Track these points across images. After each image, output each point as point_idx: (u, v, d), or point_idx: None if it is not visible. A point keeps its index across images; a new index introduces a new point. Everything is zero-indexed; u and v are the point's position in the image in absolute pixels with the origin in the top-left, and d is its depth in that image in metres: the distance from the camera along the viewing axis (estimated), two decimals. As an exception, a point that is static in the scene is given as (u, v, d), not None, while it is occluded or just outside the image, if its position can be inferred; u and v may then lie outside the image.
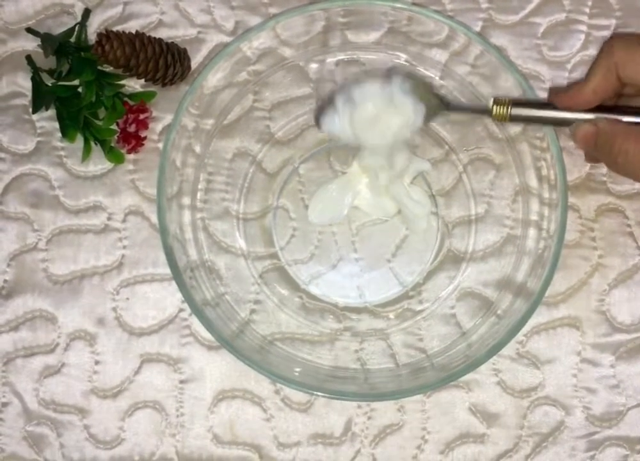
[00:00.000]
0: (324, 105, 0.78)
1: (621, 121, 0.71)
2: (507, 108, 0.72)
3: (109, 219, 0.87)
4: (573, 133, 0.72)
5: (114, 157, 0.86)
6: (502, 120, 0.73)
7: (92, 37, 0.88)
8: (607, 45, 0.71)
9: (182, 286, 0.75)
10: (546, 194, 0.78)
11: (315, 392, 0.75)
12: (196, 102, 0.78)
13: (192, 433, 0.84)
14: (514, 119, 0.73)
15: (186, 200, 0.81)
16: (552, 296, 0.83)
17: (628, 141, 0.69)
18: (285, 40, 0.80)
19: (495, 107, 0.72)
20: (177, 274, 0.75)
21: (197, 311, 0.75)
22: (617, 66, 0.70)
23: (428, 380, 0.76)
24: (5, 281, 0.86)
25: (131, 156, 0.87)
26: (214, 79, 0.78)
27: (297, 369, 0.79)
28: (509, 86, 0.77)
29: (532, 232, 0.80)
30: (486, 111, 0.73)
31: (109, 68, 0.85)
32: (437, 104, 0.76)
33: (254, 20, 0.88)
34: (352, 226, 0.87)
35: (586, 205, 0.86)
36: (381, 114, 0.75)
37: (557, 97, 0.73)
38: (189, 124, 0.78)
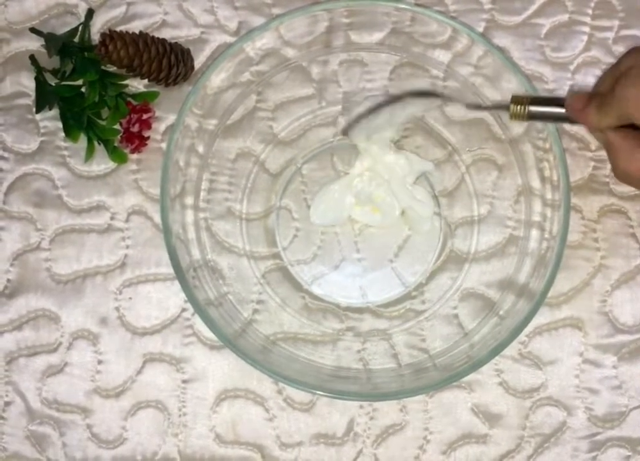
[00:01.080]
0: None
1: (630, 136, 0.69)
2: (525, 107, 0.71)
3: (112, 219, 0.87)
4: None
5: (118, 157, 0.86)
6: (520, 118, 0.72)
7: (95, 37, 0.88)
8: (619, 91, 0.67)
9: (185, 286, 0.75)
10: (548, 195, 0.79)
11: (317, 392, 0.76)
12: (200, 103, 0.78)
13: (194, 433, 0.85)
14: (532, 117, 0.72)
15: (189, 200, 0.81)
16: (554, 296, 0.84)
17: (630, 161, 0.69)
18: (288, 41, 0.81)
19: (512, 106, 0.72)
20: (180, 274, 0.75)
21: (200, 311, 0.75)
22: (631, 116, 0.66)
23: (431, 381, 0.77)
24: (8, 280, 0.87)
25: (134, 156, 0.87)
26: (217, 79, 0.78)
27: (300, 369, 0.80)
28: (512, 87, 0.77)
29: (534, 232, 0.81)
30: (504, 109, 0.73)
31: (112, 68, 0.85)
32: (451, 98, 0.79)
33: (257, 21, 0.89)
34: (355, 227, 0.87)
35: (589, 206, 0.86)
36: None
37: (572, 109, 0.70)
38: (192, 124, 0.79)
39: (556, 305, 0.85)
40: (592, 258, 0.86)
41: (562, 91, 0.88)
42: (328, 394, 0.76)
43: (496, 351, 0.75)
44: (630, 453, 0.84)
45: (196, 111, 0.78)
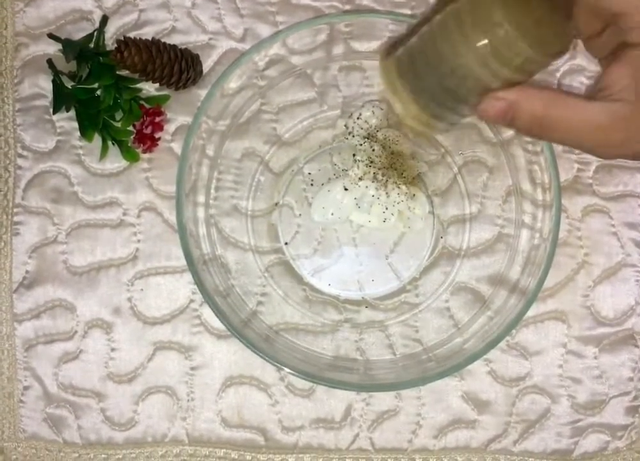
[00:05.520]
0: None
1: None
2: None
3: (124, 214, 0.89)
4: (480, 112, 0.57)
5: (130, 156, 0.88)
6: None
7: (109, 42, 0.90)
8: None
9: (196, 278, 0.77)
10: (538, 196, 0.81)
11: (318, 382, 0.78)
12: (212, 108, 0.80)
13: (202, 417, 0.88)
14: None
15: (200, 198, 0.83)
16: (540, 291, 0.85)
17: (551, 107, 0.55)
18: (293, 49, 0.82)
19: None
20: (192, 267, 0.77)
21: (210, 301, 0.77)
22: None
23: (426, 373, 0.78)
24: (27, 272, 0.89)
25: (146, 155, 0.89)
26: (228, 86, 0.80)
27: (301, 358, 0.82)
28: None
29: (524, 231, 0.83)
30: None
31: (125, 72, 0.87)
32: None
33: (262, 28, 0.91)
34: (353, 224, 0.89)
35: (573, 206, 0.89)
36: None
37: None
38: (204, 127, 0.80)
39: (542, 298, 0.88)
40: (576, 255, 0.89)
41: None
42: (328, 384, 0.78)
43: (491, 345, 0.76)
44: (609, 438, 0.88)
45: (209, 115, 0.80)
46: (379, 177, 0.87)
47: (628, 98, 0.54)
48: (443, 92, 0.58)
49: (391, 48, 0.61)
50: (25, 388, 0.89)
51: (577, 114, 0.55)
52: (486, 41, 0.54)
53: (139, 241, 0.90)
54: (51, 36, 0.89)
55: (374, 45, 0.87)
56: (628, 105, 0.54)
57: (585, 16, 0.57)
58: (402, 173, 0.88)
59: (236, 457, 0.88)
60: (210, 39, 0.91)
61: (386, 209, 0.87)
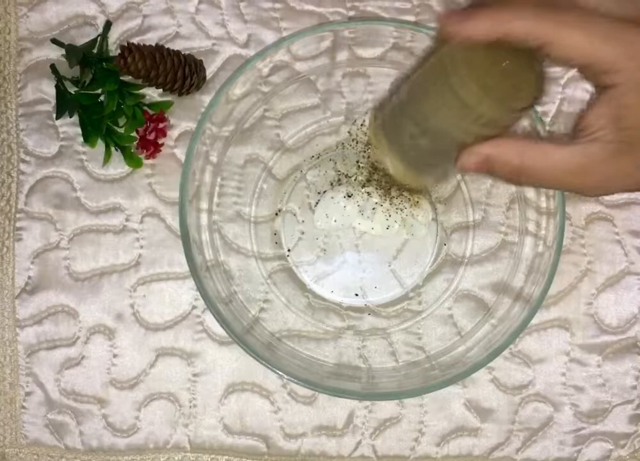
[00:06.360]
0: None
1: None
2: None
3: (127, 220, 0.89)
4: (459, 166, 0.59)
5: (133, 162, 0.88)
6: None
7: (112, 47, 0.90)
8: None
9: (199, 284, 0.77)
10: (542, 204, 0.81)
11: (320, 390, 0.78)
12: (216, 114, 0.79)
13: (204, 423, 0.88)
14: None
15: (204, 204, 0.83)
16: (544, 299, 0.85)
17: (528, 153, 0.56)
18: (297, 56, 0.82)
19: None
20: (195, 274, 0.77)
21: (212, 308, 0.77)
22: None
23: (429, 382, 0.78)
24: (29, 277, 0.89)
25: (149, 161, 0.89)
26: (232, 93, 0.80)
27: (303, 365, 0.82)
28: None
29: (528, 239, 0.83)
30: None
31: (128, 78, 0.87)
32: None
33: (266, 33, 0.91)
34: (356, 231, 0.89)
35: (577, 213, 0.89)
36: None
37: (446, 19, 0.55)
38: (208, 134, 0.80)
39: (545, 306, 0.88)
40: (580, 263, 0.88)
41: (553, 105, 0.90)
42: (330, 392, 0.78)
43: (494, 353, 0.76)
44: (612, 447, 0.87)
45: (213, 121, 0.79)
46: (383, 183, 0.87)
47: (605, 139, 0.54)
48: (424, 151, 0.60)
49: (379, 109, 0.63)
50: (27, 394, 0.89)
51: (552, 161, 0.56)
52: (449, 102, 0.55)
53: (141, 246, 0.89)
54: (54, 41, 0.89)
55: (378, 51, 0.87)
56: (606, 146, 0.54)
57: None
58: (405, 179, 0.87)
59: (238, 464, 0.88)
60: (213, 44, 0.91)
61: (390, 215, 0.87)
